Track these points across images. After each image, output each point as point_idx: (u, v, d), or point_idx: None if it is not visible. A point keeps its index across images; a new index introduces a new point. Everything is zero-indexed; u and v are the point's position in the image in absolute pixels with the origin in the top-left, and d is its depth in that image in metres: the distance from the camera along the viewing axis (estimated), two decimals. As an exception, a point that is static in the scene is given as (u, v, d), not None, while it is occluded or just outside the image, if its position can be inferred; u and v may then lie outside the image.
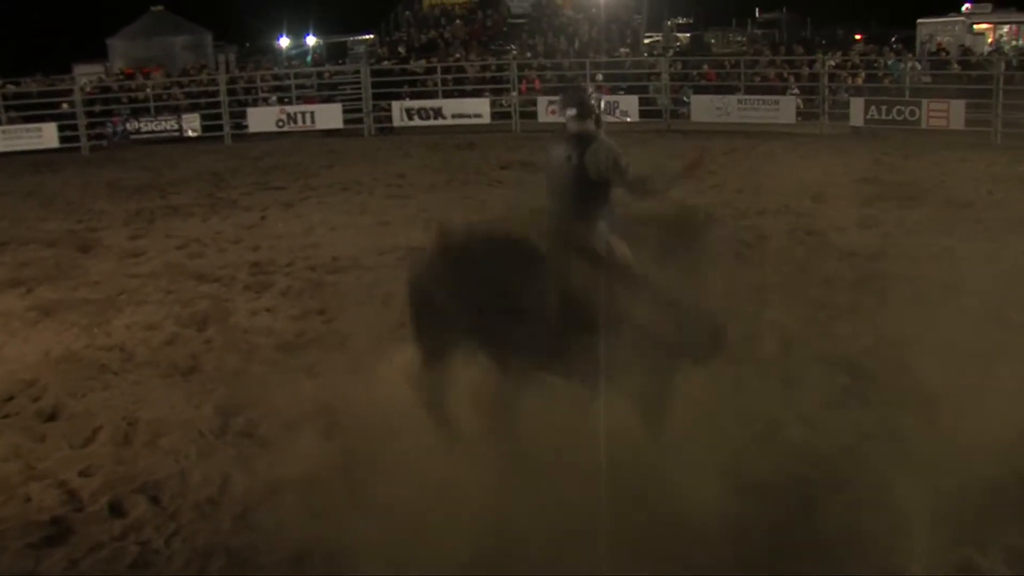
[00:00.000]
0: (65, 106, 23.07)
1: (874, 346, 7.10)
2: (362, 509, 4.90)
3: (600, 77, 23.23)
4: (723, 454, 5.27)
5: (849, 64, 22.47)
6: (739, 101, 21.60)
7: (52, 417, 6.43)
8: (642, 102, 22.41)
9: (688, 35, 40.70)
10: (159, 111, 23.39)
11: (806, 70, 22.24)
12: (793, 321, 7.62)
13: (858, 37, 31.05)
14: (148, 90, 23.97)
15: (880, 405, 5.99)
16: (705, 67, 24.09)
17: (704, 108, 21.76)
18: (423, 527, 4.63)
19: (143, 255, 11.07)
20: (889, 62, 22.16)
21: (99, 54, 30.84)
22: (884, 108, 20.16)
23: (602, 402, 5.13)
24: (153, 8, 30.70)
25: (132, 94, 24.12)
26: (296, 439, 5.80)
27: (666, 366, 5.20)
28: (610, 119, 21.65)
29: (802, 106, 21.44)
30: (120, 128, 22.90)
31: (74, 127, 22.55)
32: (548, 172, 5.60)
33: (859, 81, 21.56)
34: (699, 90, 22.54)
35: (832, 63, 22.25)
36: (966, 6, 29.01)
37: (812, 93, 21.45)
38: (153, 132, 22.87)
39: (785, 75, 22.41)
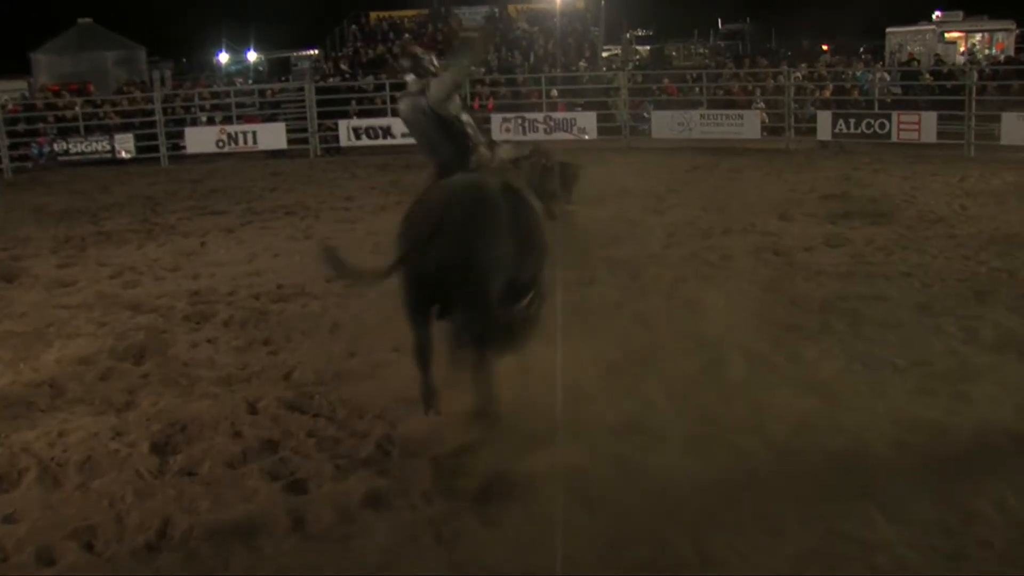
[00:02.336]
0: (-17, 125, 22.75)
1: (845, 369, 7.23)
2: (312, 552, 4.90)
3: (555, 92, 23.45)
4: (683, 489, 5.35)
5: (816, 76, 22.93)
6: (702, 116, 21.91)
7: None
8: (601, 118, 22.64)
9: (648, 47, 41.24)
10: (89, 131, 23.17)
11: (771, 83, 22.66)
12: (760, 343, 7.73)
13: (825, 48, 31.60)
14: (77, 108, 23.74)
15: (851, 430, 6.08)
16: (666, 81, 24.46)
17: (665, 124, 22.04)
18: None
19: (73, 284, 10.93)
20: (858, 73, 22.65)
21: (21, 69, 30.40)
22: (852, 121, 20.57)
23: None
24: (81, 21, 30.27)
25: (59, 112, 23.87)
26: (241, 478, 5.77)
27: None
28: (567, 136, 21.86)
29: (767, 120, 21.84)
30: (46, 149, 22.65)
31: (-6, 148, 22.22)
32: (416, 132, 6.37)
33: (826, 94, 22.01)
34: (660, 105, 22.83)
35: (798, 75, 22.69)
36: (936, 14, 29.51)
37: (777, 107, 21.85)
38: (83, 154, 22.64)
39: (749, 88, 22.82)
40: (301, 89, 24.42)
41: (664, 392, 6.74)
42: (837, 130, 20.66)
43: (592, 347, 7.80)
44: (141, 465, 6.01)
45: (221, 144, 22.77)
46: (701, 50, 42.37)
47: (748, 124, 21.60)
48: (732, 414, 6.39)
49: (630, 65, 30.14)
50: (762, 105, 22.03)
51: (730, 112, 21.87)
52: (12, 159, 22.33)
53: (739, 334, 8.04)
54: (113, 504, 5.55)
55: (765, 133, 21.63)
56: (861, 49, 27.97)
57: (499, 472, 5.57)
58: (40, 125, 23.43)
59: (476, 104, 23.25)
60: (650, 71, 28.35)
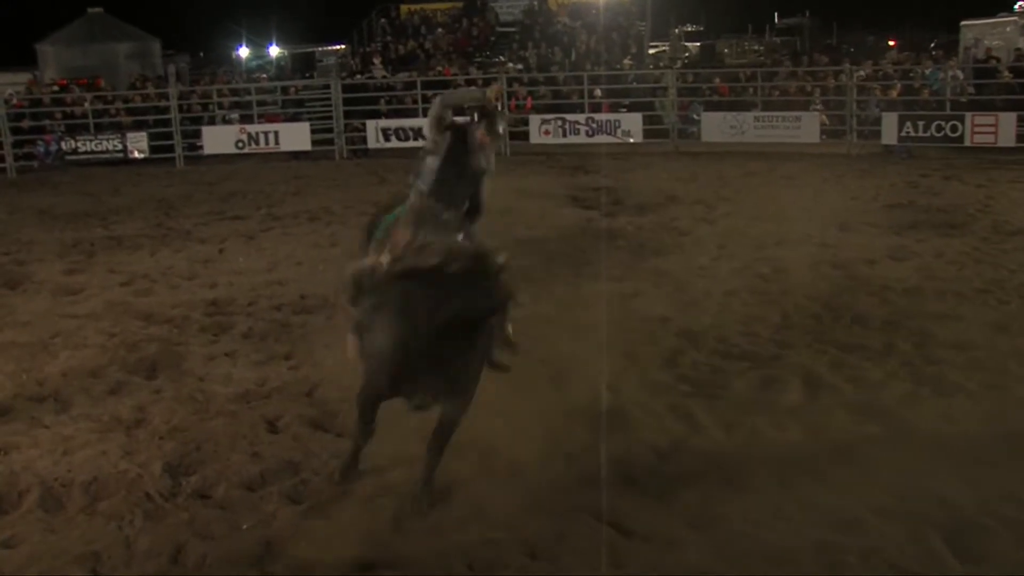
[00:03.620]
0: (-14, 121, 23.03)
1: (911, 393, 7.15)
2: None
3: (598, 92, 23.44)
4: (737, 520, 5.33)
5: (881, 74, 22.70)
6: (756, 118, 21.78)
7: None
8: (647, 120, 22.57)
9: (698, 44, 41.15)
10: (99, 129, 23.37)
11: (832, 82, 22.48)
12: (818, 365, 7.67)
13: (892, 43, 31.28)
14: (86, 104, 23.94)
15: (917, 461, 6.01)
16: (717, 80, 24.35)
17: (716, 126, 21.94)
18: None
19: (81, 292, 11.05)
20: (927, 71, 22.30)
21: (27, 61, 30.56)
22: (921, 124, 20.33)
23: None
24: (91, 10, 30.33)
25: (67, 109, 24.07)
26: (259, 501, 5.80)
27: None
28: (611, 140, 21.84)
29: (827, 123, 21.66)
30: (53, 148, 22.87)
31: (-2, 145, 22.48)
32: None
33: (893, 94, 21.75)
34: (711, 106, 22.73)
35: (861, 74, 22.48)
36: (1019, 5, 28.85)
37: (838, 108, 21.68)
38: (93, 153, 22.87)
39: (808, 88, 22.64)
40: (327, 86, 24.55)
41: (714, 415, 6.71)
42: (904, 133, 20.43)
43: (637, 365, 7.80)
44: (152, 487, 6.05)
45: (241, 144, 22.92)
46: (755, 47, 42.23)
47: (806, 127, 21.44)
48: (785, 440, 6.34)
49: (679, 63, 30.11)
50: (821, 106, 21.87)
51: (787, 114, 21.70)
52: (16, 158, 22.53)
53: (795, 354, 8.01)
54: (121, 528, 5.59)
55: (824, 137, 21.44)
56: (932, 44, 27.60)
57: (535, 486, 5.58)
58: (46, 122, 23.63)
59: (512, 105, 23.30)
60: (700, 70, 28.29)
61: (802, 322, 8.85)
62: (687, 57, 35.69)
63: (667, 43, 35.54)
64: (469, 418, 6.04)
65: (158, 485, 6.06)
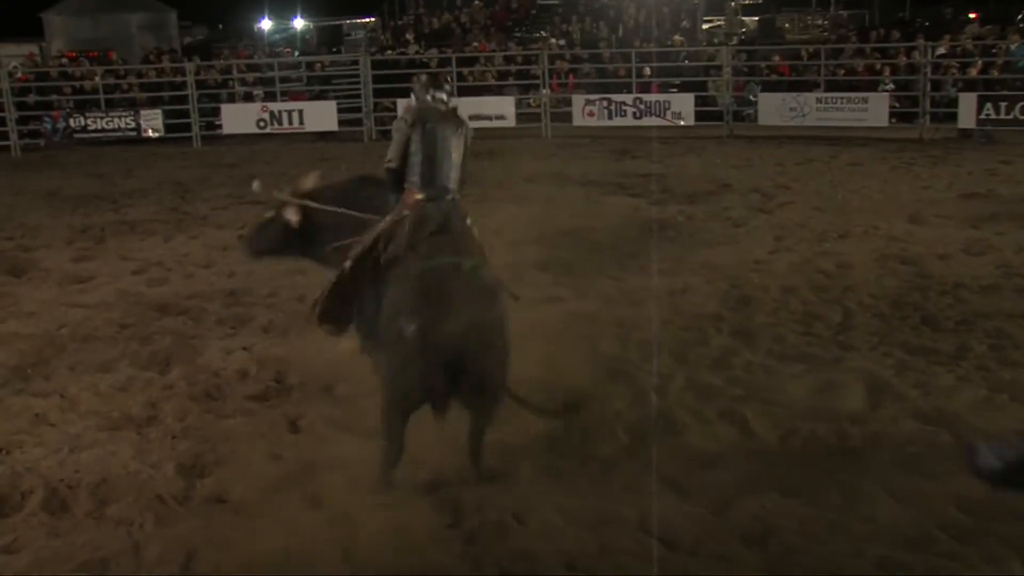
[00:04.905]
0: (-12, 94, 23.28)
1: (986, 400, 7.07)
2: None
3: (648, 71, 23.36)
4: (791, 535, 5.31)
5: (959, 51, 22.42)
6: (818, 100, 21.66)
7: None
8: (699, 101, 22.52)
9: (756, 19, 40.83)
10: (111, 105, 23.63)
11: (903, 60, 22.27)
12: (883, 368, 7.62)
13: (972, 16, 30.74)
14: (97, 79, 24.18)
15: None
16: (777, 58, 24.19)
17: (775, 108, 21.84)
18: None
19: (91, 281, 11.16)
20: (1012, 47, 21.95)
21: (32, 32, 30.77)
22: (1004, 105, 20.10)
23: None
24: (101, -23, 30.59)
25: (76, 83, 24.30)
26: (279, 506, 5.83)
27: None
28: (660, 122, 21.77)
29: (897, 105, 21.47)
30: (61, 125, 23.13)
31: (1, 122, 22.76)
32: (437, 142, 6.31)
33: (972, 72, 21.47)
34: (769, 86, 22.63)
35: (941, 50, 22.22)
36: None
37: (910, 89, 21.48)
38: (103, 131, 23.11)
39: (877, 67, 22.44)
40: (355, 62, 24.67)
41: (768, 421, 6.68)
42: (983, 116, 20.22)
43: (686, 366, 7.78)
44: (164, 489, 6.09)
45: (262, 124, 23.09)
46: (819, 21, 41.77)
47: (874, 109, 21.28)
48: (846, 449, 6.30)
49: (734, 39, 29.89)
50: (891, 87, 21.69)
51: (852, 95, 21.58)
52: (21, 135, 22.83)
53: (858, 356, 7.95)
54: (130, 533, 5.63)
55: (894, 120, 21.30)
56: (1019, 17, 27.01)
57: (575, 494, 5.58)
58: (54, 97, 23.91)
59: (554, 84, 23.28)
60: (758, 46, 28.06)
61: (866, 322, 8.78)
62: (744, 33, 35.39)
63: (722, 17, 35.29)
64: (499, 423, 6.07)
65: (170, 487, 6.10)
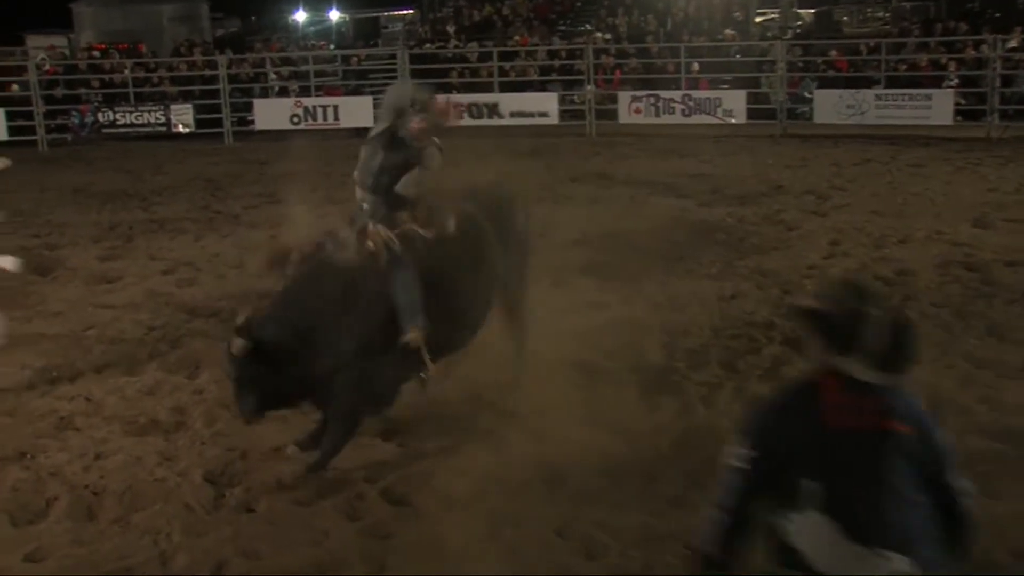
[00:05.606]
0: (15, 88, 23.49)
1: (1055, 417, 6.98)
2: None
3: (696, 67, 23.27)
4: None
5: (1032, 44, 22.12)
6: (878, 97, 21.46)
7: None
8: (751, 98, 22.38)
9: (813, 11, 40.56)
10: (140, 99, 23.83)
11: (971, 54, 22.00)
12: (945, 381, 7.53)
13: (1047, 7, 30.29)
14: (126, 72, 24.38)
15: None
16: (834, 53, 24.01)
17: (831, 106, 21.65)
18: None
19: (118, 280, 11.27)
20: (1092, 38, 21.63)
21: (61, 23, 31.01)
22: (1080, 102, 19.78)
23: None
24: (133, -32, 30.88)
25: (105, 76, 24.51)
26: (310, 517, 5.86)
27: None
28: (710, 120, 21.68)
29: (963, 102, 21.24)
30: (89, 119, 23.33)
31: (28, 115, 22.96)
32: None
33: (1045, 66, 21.17)
34: (825, 83, 22.45)
35: (1012, 43, 21.93)
36: None
37: (978, 84, 21.23)
38: (132, 126, 23.30)
39: (942, 62, 22.20)
40: (393, 56, 24.74)
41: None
42: (1057, 114, 19.95)
43: (735, 377, 7.73)
44: (192, 497, 6.14)
45: (296, 120, 23.19)
46: (880, 13, 41.41)
47: (938, 107, 21.04)
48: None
49: (789, 33, 29.67)
50: (956, 82, 21.45)
51: (915, 92, 21.33)
52: (49, 130, 23.03)
53: (919, 369, 7.79)
54: (157, 542, 5.67)
55: (959, 118, 21.05)
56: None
57: (618, 509, 5.56)
58: (82, 91, 24.11)
59: (600, 80, 23.24)
60: (814, 41, 27.86)
61: (928, 332, 8.67)
62: (799, 26, 35.15)
63: (776, 10, 35.08)
64: (540, 434, 6.08)
65: (198, 496, 6.15)
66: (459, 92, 23.31)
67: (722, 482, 3.44)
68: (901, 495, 3.23)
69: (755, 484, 3.36)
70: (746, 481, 3.36)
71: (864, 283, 3.42)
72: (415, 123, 6.46)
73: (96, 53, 26.51)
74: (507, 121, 22.72)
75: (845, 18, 39.85)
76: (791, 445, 3.29)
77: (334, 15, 43.30)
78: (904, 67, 22.45)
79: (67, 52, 27.82)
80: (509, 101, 23.15)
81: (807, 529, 3.25)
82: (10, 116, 22.88)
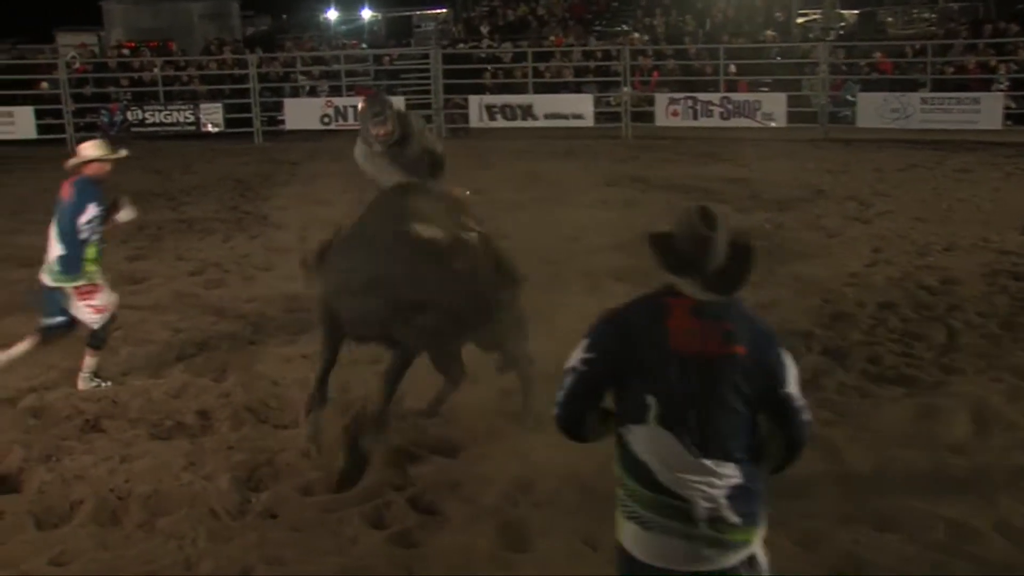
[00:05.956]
0: (45, 85, 23.73)
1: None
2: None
3: (733, 68, 23.20)
4: (885, 572, 5.23)
5: (1085, 46, 21.91)
6: (923, 100, 21.34)
7: (15, 488, 6.50)
8: (792, 101, 22.29)
9: (856, 12, 40.35)
10: (170, 98, 24.00)
11: (1022, 56, 21.83)
12: (992, 394, 7.47)
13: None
14: (156, 70, 24.55)
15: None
16: (878, 55, 23.85)
17: (875, 109, 21.55)
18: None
19: (145, 281, 11.35)
20: None
21: (91, 20, 31.21)
22: None
23: None
24: (163, -35, 31.00)
25: (135, 74, 24.70)
26: (336, 524, 5.88)
27: None
28: (749, 124, 21.60)
29: (1013, 106, 21.07)
30: (118, 117, 23.50)
31: (57, 113, 23.16)
32: None
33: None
34: (869, 86, 22.33)
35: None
36: None
37: (1027, 88, 21.04)
38: (162, 125, 23.46)
39: (991, 64, 22.03)
40: (425, 56, 24.78)
41: (861, 448, 6.59)
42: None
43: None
44: (217, 502, 6.17)
45: (327, 120, 23.26)
46: (926, 14, 41.13)
47: (986, 111, 20.91)
48: (949, 482, 6.18)
49: (832, 34, 29.53)
50: (1006, 86, 21.28)
51: (962, 95, 21.21)
52: (77, 128, 23.11)
53: (964, 380, 7.81)
54: (182, 548, 5.71)
55: (1009, 122, 20.90)
56: None
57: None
58: (112, 89, 24.32)
59: (636, 82, 23.21)
60: (858, 42, 27.71)
61: (973, 343, 8.63)
62: (842, 27, 34.96)
63: (819, 11, 34.93)
64: (570, 443, 6.11)
65: (224, 501, 6.17)
66: (492, 93, 23.36)
67: (562, 383, 3.71)
68: (735, 411, 3.53)
69: (590, 385, 3.66)
70: (581, 381, 3.65)
71: (708, 208, 3.65)
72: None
73: (126, 51, 26.69)
74: (541, 123, 22.74)
75: (890, 19, 39.57)
76: (635, 361, 3.57)
77: (366, 14, 43.44)
78: (951, 69, 22.33)
79: (97, 50, 28.00)
80: (543, 103, 23.16)
81: (648, 440, 3.55)
82: (38, 114, 23.08)
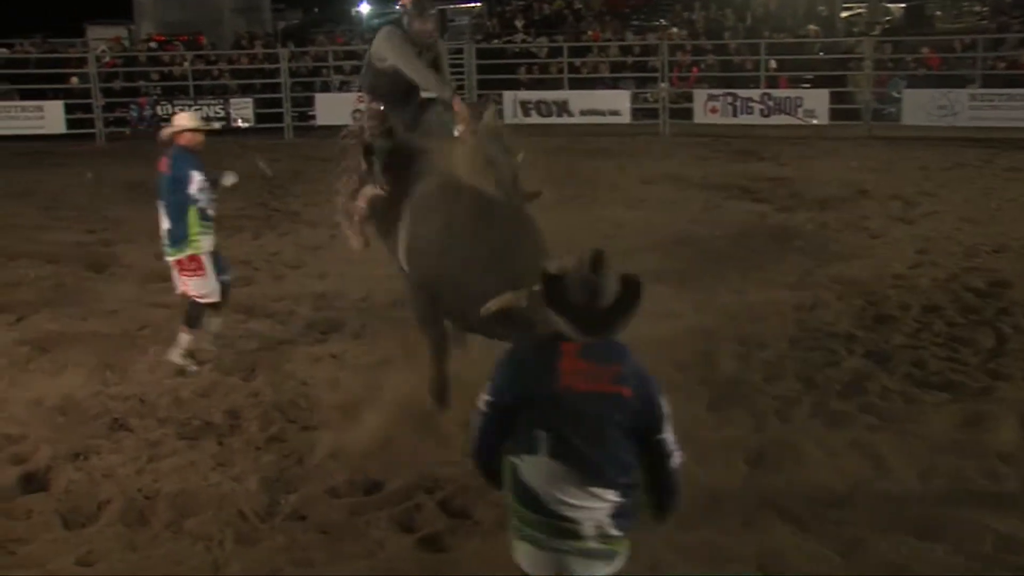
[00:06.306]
0: (75, 80, 23.91)
1: None
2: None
3: (773, 64, 23.11)
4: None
5: None
6: (972, 97, 21.18)
7: (42, 486, 6.57)
8: (835, 98, 22.18)
9: (903, 5, 40.07)
10: (200, 93, 24.13)
11: (1079, 50, 21.62)
12: (1042, 402, 7.42)
13: None
14: (186, 64, 24.70)
15: None
16: (925, 50, 23.68)
17: (921, 106, 21.40)
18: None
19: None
20: None
21: (121, 14, 31.44)
22: None
23: None
24: (194, -42, 31.19)
25: (165, 69, 24.87)
26: (365, 527, 5.91)
27: None
28: (791, 121, 21.51)
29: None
30: (148, 112, 23.64)
31: (87, 108, 23.35)
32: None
33: None
34: (915, 82, 22.17)
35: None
36: None
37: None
38: (192, 120, 23.53)
39: (1045, 59, 21.83)
40: (459, 51, 24.76)
41: (905, 455, 6.55)
42: None
43: (813, 390, 7.68)
44: (246, 504, 6.21)
45: (358, 115, 23.24)
46: (976, 7, 40.77)
47: (1038, 107, 20.75)
48: (997, 491, 6.14)
49: (877, 28, 29.36)
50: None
51: (1014, 92, 21.00)
52: (107, 123, 23.38)
53: (1012, 387, 7.76)
54: (209, 549, 5.76)
55: (1064, 120, 20.71)
56: None
57: (685, 529, 5.55)
58: (141, 83, 24.51)
59: (675, 77, 23.15)
60: (904, 37, 27.52)
61: (1022, 348, 8.56)
62: (888, 21, 34.75)
63: (864, 4, 34.72)
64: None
65: (253, 502, 6.22)
66: (527, 89, 23.35)
67: (471, 424, 4.07)
68: (619, 445, 3.86)
69: (493, 427, 3.97)
70: (486, 424, 3.98)
71: (600, 253, 3.94)
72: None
73: (155, 45, 26.85)
74: (577, 120, 22.74)
75: (938, 12, 39.21)
76: (528, 399, 3.87)
77: (399, 7, 43.41)
78: (1003, 65, 22.11)
79: (127, 43, 28.19)
80: (579, 99, 23.15)
81: (538, 470, 3.87)
82: (68, 108, 23.25)
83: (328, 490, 6.34)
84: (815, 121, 21.82)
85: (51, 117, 23.14)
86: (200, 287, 8.46)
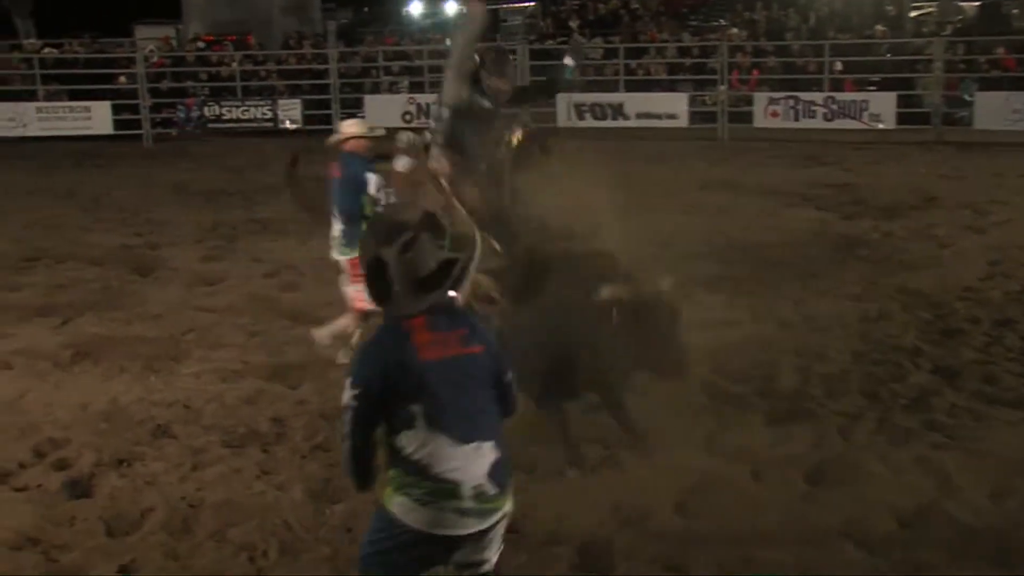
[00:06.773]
0: (123, 80, 24.24)
1: None
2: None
3: (839, 66, 22.94)
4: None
5: None
6: (1049, 101, 20.92)
7: (85, 492, 6.62)
8: (902, 101, 22.00)
9: (977, 4, 39.62)
10: (247, 93, 24.36)
11: None
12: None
13: None
14: (234, 65, 24.93)
15: None
16: (1000, 51, 23.39)
17: (995, 110, 21.18)
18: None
19: (220, 283, 11.55)
20: None
21: (170, 13, 31.79)
22: None
23: None
24: (242, -44, 31.40)
25: (213, 69, 25.12)
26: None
27: None
28: (856, 125, 21.35)
29: None
30: (195, 113, 23.95)
31: (134, 108, 23.66)
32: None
33: None
34: (988, 84, 21.94)
35: None
36: None
37: None
38: (239, 121, 23.81)
39: None
40: (512, 52, 24.78)
41: (975, 475, 6.47)
42: None
43: (877, 406, 7.61)
44: (291, 514, 6.24)
45: (408, 117, 23.37)
46: (1059, 5, 40.26)
47: (1122, 112, 20.49)
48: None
49: (948, 29, 29.07)
50: None
51: (1095, 95, 20.78)
52: (154, 124, 23.68)
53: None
54: (253, 560, 5.79)
55: None
56: None
57: (738, 545, 5.53)
58: (189, 84, 24.79)
59: (734, 80, 23.05)
60: (977, 37, 27.23)
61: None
62: (960, 21, 34.39)
63: (934, 3, 34.40)
64: (659, 461, 6.12)
65: (298, 513, 6.24)
66: (581, 91, 23.35)
67: (341, 421, 4.25)
68: (484, 398, 4.25)
69: (365, 417, 4.18)
70: (357, 416, 4.17)
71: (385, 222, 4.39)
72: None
73: (203, 45, 27.09)
74: (633, 123, 22.72)
75: (1015, 11, 38.67)
76: (393, 382, 4.12)
77: (450, 7, 43.59)
78: (1084, 67, 21.83)
79: (175, 43, 28.49)
80: (635, 101, 23.12)
81: (419, 442, 4.12)
82: (115, 109, 23.55)
83: (374, 502, 6.35)
84: (881, 125, 21.66)
85: (98, 118, 23.46)
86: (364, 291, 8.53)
